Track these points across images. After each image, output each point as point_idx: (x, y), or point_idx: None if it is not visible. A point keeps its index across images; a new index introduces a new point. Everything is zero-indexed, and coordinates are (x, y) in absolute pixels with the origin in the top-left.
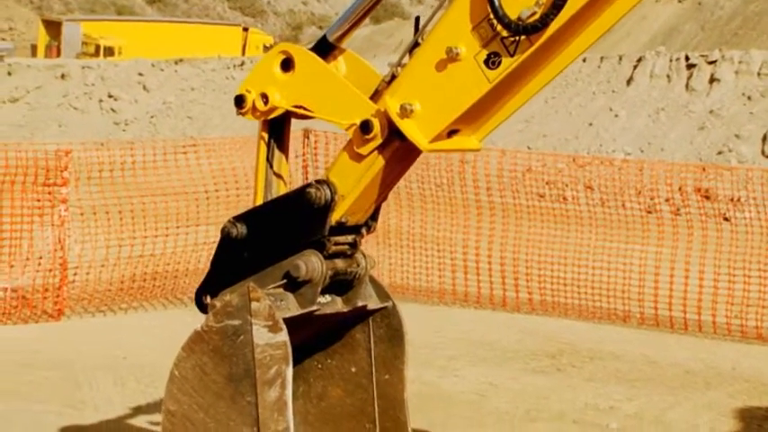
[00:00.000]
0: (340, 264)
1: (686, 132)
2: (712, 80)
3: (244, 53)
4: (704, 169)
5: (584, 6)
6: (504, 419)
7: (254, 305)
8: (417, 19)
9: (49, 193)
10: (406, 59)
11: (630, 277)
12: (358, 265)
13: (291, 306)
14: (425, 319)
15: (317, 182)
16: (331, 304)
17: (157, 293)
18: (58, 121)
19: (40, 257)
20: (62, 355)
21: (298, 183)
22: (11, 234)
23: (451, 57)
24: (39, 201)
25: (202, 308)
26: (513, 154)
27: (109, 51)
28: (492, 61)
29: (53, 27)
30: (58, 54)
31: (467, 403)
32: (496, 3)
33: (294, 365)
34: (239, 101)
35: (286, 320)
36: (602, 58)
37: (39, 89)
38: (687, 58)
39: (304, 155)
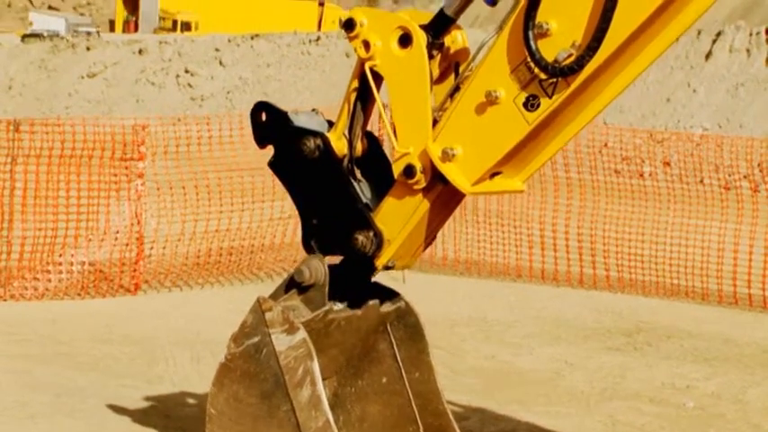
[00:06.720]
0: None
1: (765, 108)
2: None
3: (319, 28)
4: None
5: (618, 49)
6: (580, 398)
7: (267, 315)
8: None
9: (126, 167)
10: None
11: (709, 254)
12: None
13: (304, 313)
14: (501, 296)
15: (374, 232)
16: (344, 310)
17: (233, 269)
18: (135, 96)
19: (117, 232)
20: (139, 329)
21: None
22: (88, 208)
23: (491, 100)
24: (115, 175)
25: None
26: (590, 129)
27: (186, 26)
28: (531, 104)
29: (130, 2)
30: (136, 29)
31: (542, 381)
32: (533, 46)
33: (328, 396)
34: (350, 24)
35: (306, 328)
36: None
37: (116, 64)
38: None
39: None
